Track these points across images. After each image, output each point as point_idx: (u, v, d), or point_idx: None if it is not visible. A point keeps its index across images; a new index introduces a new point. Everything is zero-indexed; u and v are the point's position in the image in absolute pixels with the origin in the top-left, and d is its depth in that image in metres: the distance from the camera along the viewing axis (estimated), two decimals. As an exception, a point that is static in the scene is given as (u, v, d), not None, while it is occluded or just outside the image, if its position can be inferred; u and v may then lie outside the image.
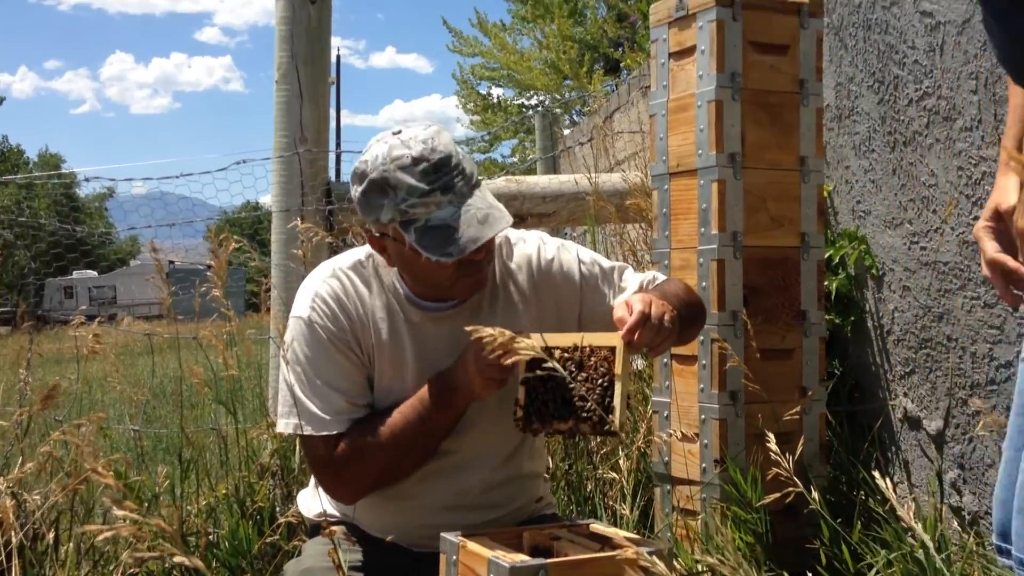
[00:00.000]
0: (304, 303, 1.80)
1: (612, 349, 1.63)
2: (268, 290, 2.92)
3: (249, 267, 3.39)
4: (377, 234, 1.74)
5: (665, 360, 2.56)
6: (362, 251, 1.84)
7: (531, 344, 1.52)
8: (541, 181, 3.53)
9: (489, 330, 1.41)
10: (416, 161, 1.65)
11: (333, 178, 3.12)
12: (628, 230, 3.39)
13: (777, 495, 2.18)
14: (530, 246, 1.88)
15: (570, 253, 1.90)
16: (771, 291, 2.47)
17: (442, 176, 1.66)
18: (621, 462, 2.58)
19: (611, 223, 3.31)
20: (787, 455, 2.07)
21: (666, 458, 2.53)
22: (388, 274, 1.81)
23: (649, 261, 3.14)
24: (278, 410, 1.81)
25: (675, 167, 2.53)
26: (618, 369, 1.61)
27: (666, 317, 1.65)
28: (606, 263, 1.93)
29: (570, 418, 1.62)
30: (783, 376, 2.46)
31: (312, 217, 2.99)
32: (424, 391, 1.74)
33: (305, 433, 1.76)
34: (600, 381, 1.62)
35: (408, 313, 1.80)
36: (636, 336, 1.62)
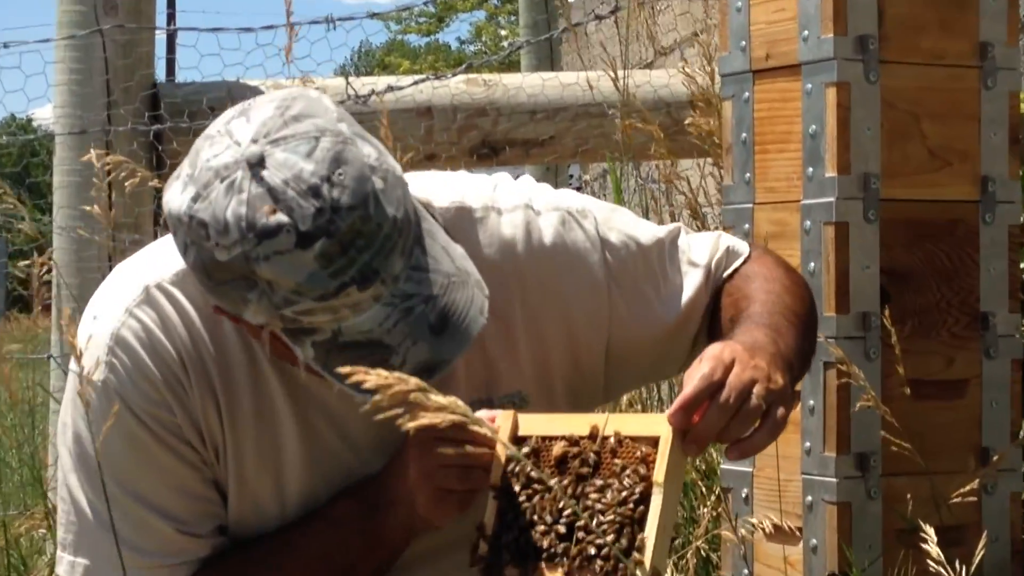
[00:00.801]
0: (96, 348, 1.77)
1: (654, 442, 1.63)
2: (46, 273, 2.92)
3: (14, 233, 3.38)
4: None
5: None
6: (175, 266, 1.79)
7: (504, 422, 1.53)
8: (528, 83, 3.53)
9: (440, 400, 1.33)
10: (306, 241, 1.57)
11: (162, 76, 3.12)
12: (682, 173, 3.40)
13: None
14: (510, 222, 1.87)
15: (584, 229, 1.88)
16: (928, 279, 2.48)
17: (355, 255, 1.60)
18: None
19: (652, 160, 3.31)
20: (957, 565, 2.11)
21: (745, 571, 2.54)
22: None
23: (717, 225, 3.18)
24: (59, 529, 1.81)
25: (763, 60, 2.54)
26: (658, 475, 1.61)
27: (758, 388, 1.64)
28: (646, 234, 1.91)
29: (567, 559, 1.63)
30: (949, 428, 2.47)
31: (125, 144, 3.02)
32: (336, 510, 1.76)
33: None
34: (626, 494, 1.62)
35: (288, 368, 1.78)
36: (697, 422, 1.62)
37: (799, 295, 1.88)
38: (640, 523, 1.60)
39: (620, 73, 3.39)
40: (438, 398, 1.32)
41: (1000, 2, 2.54)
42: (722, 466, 2.64)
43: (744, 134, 2.57)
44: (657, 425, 1.63)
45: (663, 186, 3.32)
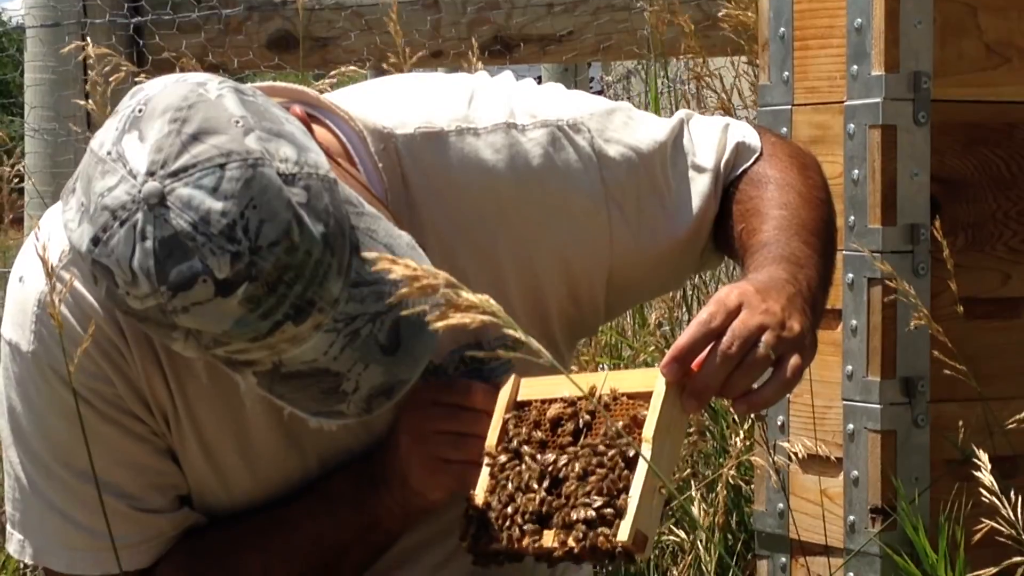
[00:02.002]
0: (22, 314, 1.71)
1: (649, 397, 1.60)
2: (16, 181, 2.84)
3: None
4: None
5: None
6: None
7: (505, 387, 1.58)
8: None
9: (471, 298, 1.28)
10: (227, 288, 1.48)
11: None
12: (714, 71, 3.32)
13: (991, 572, 2.22)
14: (490, 144, 1.75)
15: (577, 146, 1.77)
16: (983, 188, 2.45)
17: (285, 290, 1.50)
18: (696, 511, 2.57)
19: (682, 55, 3.22)
20: (1013, 497, 2.07)
21: (780, 504, 2.53)
22: None
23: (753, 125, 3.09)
24: (7, 505, 1.78)
25: None
26: (647, 432, 1.57)
27: (768, 336, 1.56)
28: (646, 139, 1.81)
29: (554, 527, 1.60)
30: (1004, 350, 2.47)
31: (103, 38, 2.97)
32: (330, 488, 1.75)
33: (54, 568, 1.76)
34: (614, 454, 1.58)
35: None
36: (696, 376, 1.55)
37: (817, 202, 1.82)
38: (627, 486, 1.58)
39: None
40: (468, 295, 1.28)
41: None
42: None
43: (782, 28, 2.53)
44: (653, 379, 1.59)
45: (693, 87, 3.26)
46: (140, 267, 1.47)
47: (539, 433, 1.65)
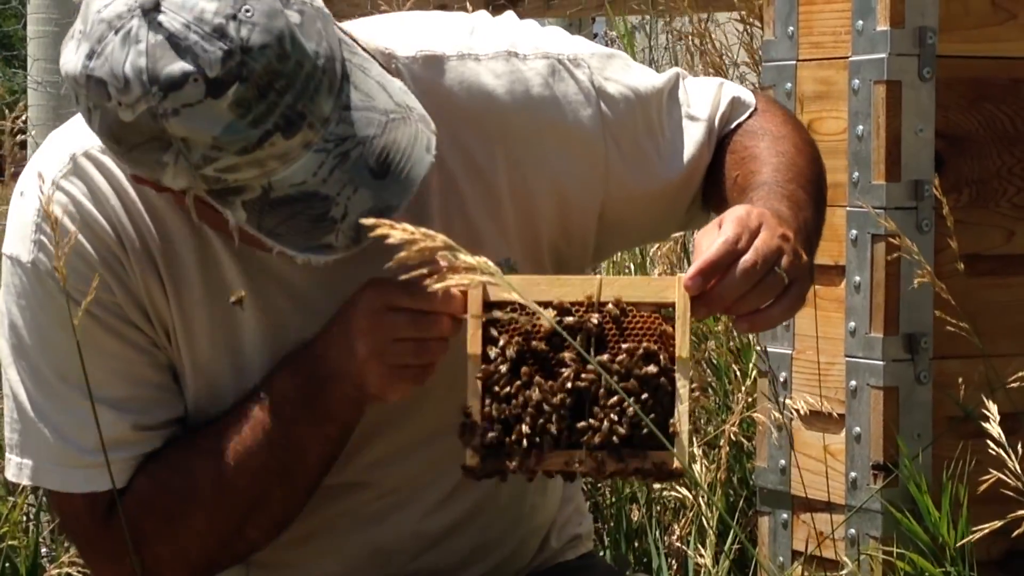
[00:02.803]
0: (23, 226, 1.72)
1: (667, 310, 1.58)
2: (20, 133, 2.82)
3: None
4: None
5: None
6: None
7: (498, 278, 1.43)
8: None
9: (469, 259, 1.28)
10: (217, 88, 1.50)
11: None
12: (715, 28, 3.36)
13: (995, 526, 2.16)
14: (491, 70, 1.76)
15: (577, 79, 1.78)
16: (988, 144, 2.45)
17: (276, 98, 1.52)
18: (697, 468, 2.59)
19: (682, 13, 3.23)
20: (1016, 453, 2.07)
21: (782, 460, 2.54)
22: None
23: (756, 84, 3.09)
24: (5, 429, 1.78)
25: None
26: (682, 350, 1.56)
27: (784, 260, 1.58)
28: (644, 83, 1.83)
29: (583, 445, 1.57)
30: (1008, 307, 2.47)
31: None
32: (278, 382, 1.71)
33: (49, 487, 1.76)
34: (644, 372, 1.57)
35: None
36: (714, 287, 1.56)
37: (811, 156, 1.82)
38: (661, 397, 1.56)
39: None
40: (467, 257, 1.28)
41: None
42: (758, 348, 2.62)
43: None
44: (667, 291, 1.58)
45: (694, 43, 3.26)
46: (132, 69, 1.49)
47: (539, 344, 1.59)
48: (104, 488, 1.71)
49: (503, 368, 1.59)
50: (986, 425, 1.99)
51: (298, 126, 1.52)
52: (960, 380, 2.40)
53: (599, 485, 2.83)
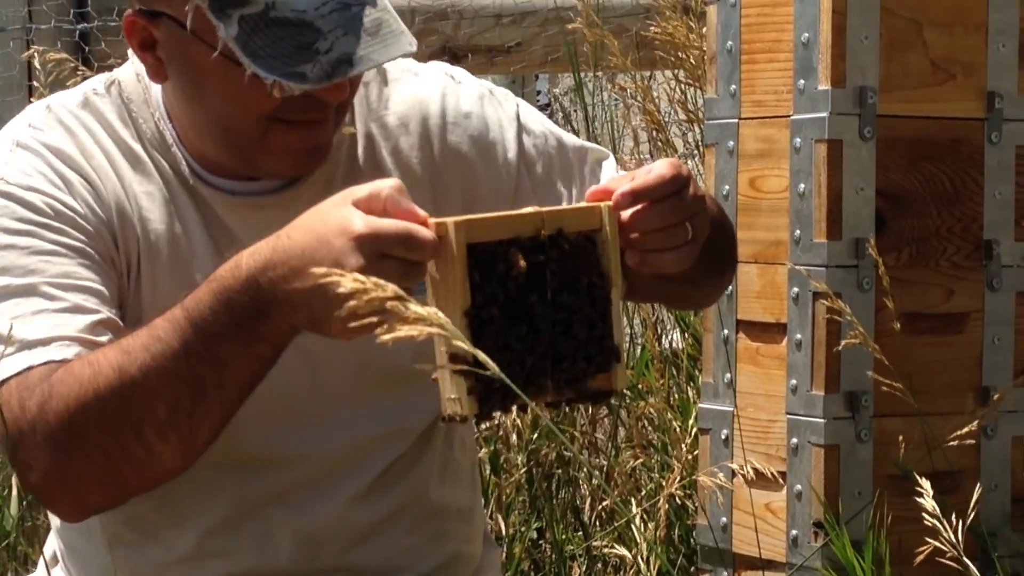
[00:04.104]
0: (3, 162, 1.80)
1: (592, 234, 1.63)
2: None
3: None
4: (147, 12, 1.74)
5: (725, 332, 2.55)
6: (95, 81, 1.88)
7: (456, 232, 1.50)
8: (493, -16, 3.47)
9: (419, 310, 1.31)
10: None
11: None
12: (657, 84, 3.39)
13: None
14: (427, 85, 1.92)
15: (503, 109, 1.93)
16: (927, 203, 2.47)
17: None
18: (638, 525, 2.59)
19: (622, 70, 3.27)
20: (952, 515, 2.05)
21: (723, 518, 2.54)
22: (147, 115, 1.85)
23: (695, 143, 3.12)
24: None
25: None
26: (615, 275, 1.63)
27: (696, 219, 1.67)
28: (570, 139, 1.96)
29: (555, 382, 1.63)
30: (947, 365, 2.48)
31: (48, 43, 3.00)
32: (205, 291, 1.66)
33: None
34: (592, 300, 1.64)
35: (196, 191, 1.83)
36: (637, 213, 1.63)
37: (723, 218, 1.96)
38: (600, 308, 1.64)
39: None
40: (417, 308, 1.32)
41: None
42: (700, 405, 2.62)
43: (730, 42, 2.55)
44: (595, 216, 1.64)
45: (637, 98, 3.29)
46: None
47: (511, 286, 1.61)
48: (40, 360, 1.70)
49: (494, 311, 1.61)
50: (920, 500, 1.97)
51: None
52: (900, 438, 2.41)
53: (540, 542, 2.81)
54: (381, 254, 1.54)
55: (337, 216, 1.57)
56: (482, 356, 1.51)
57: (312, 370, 1.82)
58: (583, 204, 1.67)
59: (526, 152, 1.91)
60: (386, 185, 1.57)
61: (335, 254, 1.55)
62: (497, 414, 1.64)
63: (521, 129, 1.91)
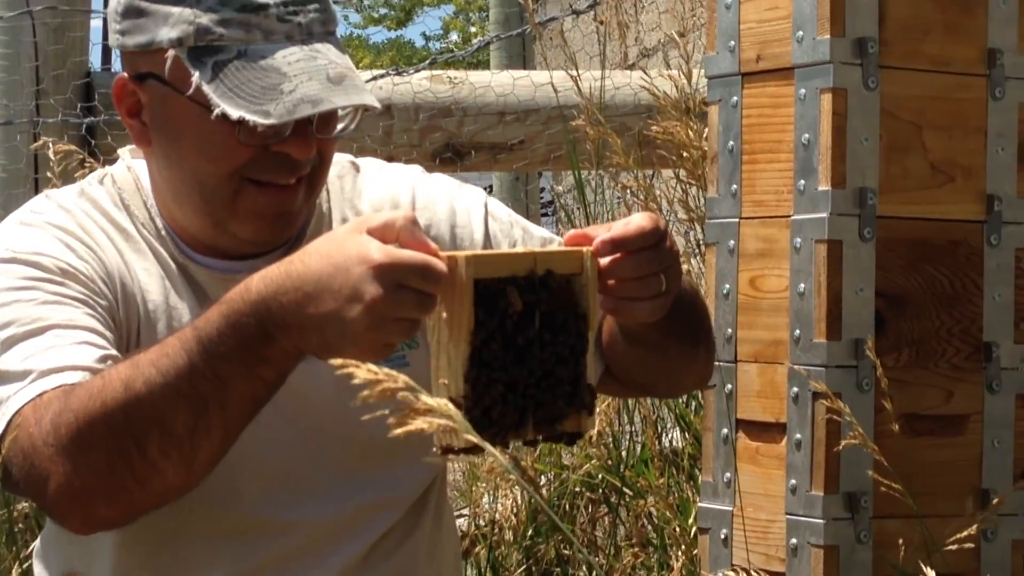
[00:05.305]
0: (5, 240, 1.88)
1: (572, 276, 1.68)
2: None
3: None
4: (134, 74, 1.86)
5: (724, 432, 2.55)
6: (89, 177, 1.99)
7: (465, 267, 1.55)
8: (497, 82, 3.50)
9: (429, 401, 1.32)
10: None
11: (97, 64, 3.12)
12: (659, 183, 3.41)
13: None
14: (396, 178, 2.02)
15: (471, 197, 2.03)
16: (927, 305, 2.48)
17: None
18: None
19: (624, 168, 3.30)
20: None
21: None
22: (138, 202, 1.93)
23: (696, 242, 3.13)
24: None
25: (753, 63, 2.54)
26: (593, 320, 1.68)
27: (670, 272, 1.73)
28: (537, 230, 2.06)
29: (533, 421, 1.68)
30: (947, 467, 2.47)
31: (55, 137, 3.00)
32: (215, 312, 1.68)
33: (13, 407, 1.76)
34: (572, 343, 1.69)
35: (186, 269, 1.91)
36: (615, 261, 1.68)
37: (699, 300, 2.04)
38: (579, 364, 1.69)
39: (593, 74, 3.36)
40: (427, 399, 1.34)
41: (1010, 5, 2.52)
42: (699, 504, 2.61)
43: (731, 142, 2.57)
44: (577, 260, 1.69)
45: (639, 195, 3.31)
46: None
47: (508, 324, 1.65)
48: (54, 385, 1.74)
49: (494, 346, 1.64)
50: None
51: (291, 20, 1.81)
52: (900, 540, 2.40)
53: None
54: (399, 284, 1.56)
55: (355, 244, 1.59)
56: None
57: (305, 440, 1.87)
58: (567, 248, 1.71)
59: (492, 235, 2.00)
60: (400, 216, 1.60)
61: (353, 282, 1.57)
62: (484, 448, 1.63)
63: (488, 215, 2.01)
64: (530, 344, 1.66)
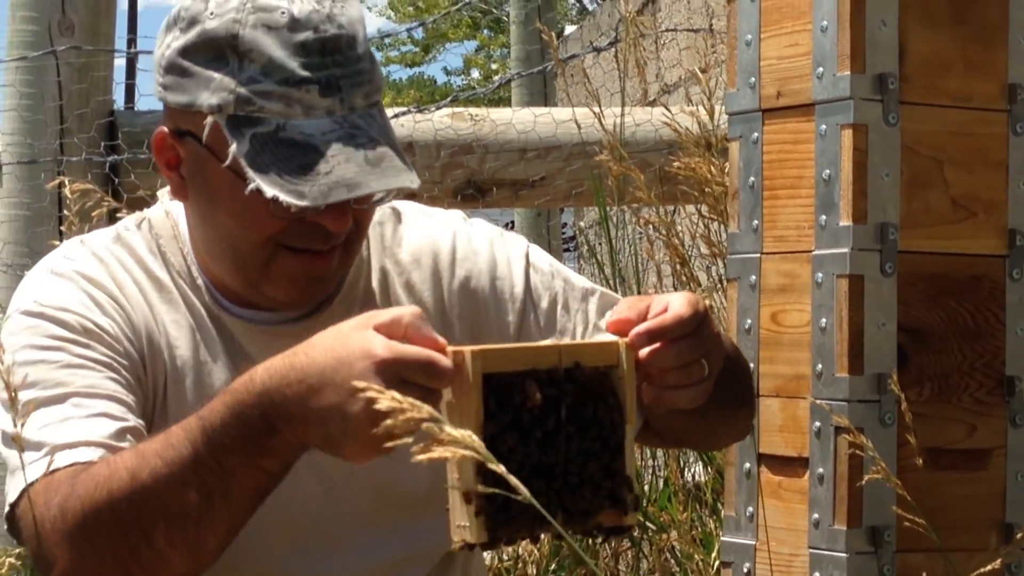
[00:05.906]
0: (34, 291, 1.88)
1: (607, 369, 1.66)
2: None
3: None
4: (174, 129, 1.86)
5: (747, 466, 2.55)
6: (128, 220, 1.99)
7: (472, 362, 1.52)
8: (519, 119, 3.51)
9: (453, 433, 1.34)
10: (295, 25, 1.80)
11: (120, 103, 3.13)
12: (680, 219, 3.42)
13: None
14: (439, 225, 2.01)
15: (513, 247, 2.01)
16: (950, 339, 2.48)
17: (330, 63, 1.80)
18: None
19: (646, 204, 3.31)
20: None
21: None
22: (175, 249, 1.93)
23: (718, 277, 3.14)
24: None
25: (774, 98, 2.54)
26: (630, 414, 1.66)
27: (711, 357, 1.71)
28: (578, 280, 2.04)
29: (560, 516, 1.64)
30: (970, 501, 2.47)
31: (79, 176, 3.01)
32: (219, 402, 1.69)
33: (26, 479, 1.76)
34: (605, 437, 1.66)
35: (219, 319, 1.91)
36: (654, 351, 1.66)
37: (738, 355, 2.03)
38: (612, 448, 1.66)
39: (614, 110, 3.37)
40: (451, 430, 1.36)
41: (1032, 39, 2.54)
42: (722, 538, 2.61)
43: (752, 178, 2.57)
44: (613, 353, 1.67)
45: (660, 233, 3.32)
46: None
47: (526, 417, 1.63)
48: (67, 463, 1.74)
49: (510, 441, 1.63)
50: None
51: (334, 92, 1.80)
52: (924, 575, 2.39)
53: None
54: (401, 379, 1.56)
55: (359, 339, 1.59)
56: (514, 480, 1.52)
57: (330, 495, 1.86)
58: (601, 340, 1.71)
59: (533, 288, 1.98)
60: (407, 312, 1.61)
61: (355, 376, 1.57)
62: (505, 542, 1.64)
63: (529, 266, 1.99)
64: (551, 437, 1.64)
